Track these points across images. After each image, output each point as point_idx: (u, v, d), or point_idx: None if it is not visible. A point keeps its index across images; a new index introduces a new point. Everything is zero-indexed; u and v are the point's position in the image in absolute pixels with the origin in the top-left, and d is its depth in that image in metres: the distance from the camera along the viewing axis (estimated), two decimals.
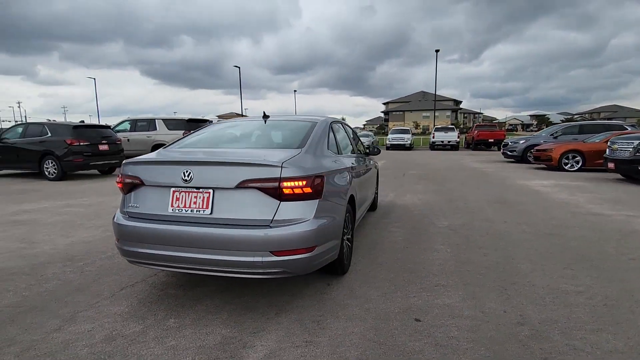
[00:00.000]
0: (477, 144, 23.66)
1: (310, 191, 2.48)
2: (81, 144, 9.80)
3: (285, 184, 2.39)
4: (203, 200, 2.48)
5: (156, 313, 2.58)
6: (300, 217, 2.44)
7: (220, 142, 3.43)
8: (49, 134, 9.91)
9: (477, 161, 15.47)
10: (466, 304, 2.68)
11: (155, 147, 12.62)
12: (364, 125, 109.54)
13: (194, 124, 12.94)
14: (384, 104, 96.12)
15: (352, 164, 3.66)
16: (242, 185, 2.41)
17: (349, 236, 3.36)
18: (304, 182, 2.44)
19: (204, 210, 2.47)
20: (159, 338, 2.27)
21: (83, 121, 12.70)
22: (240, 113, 40.93)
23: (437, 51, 30.41)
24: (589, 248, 3.90)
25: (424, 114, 75.18)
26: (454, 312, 2.56)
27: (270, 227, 2.37)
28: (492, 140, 22.95)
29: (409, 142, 25.74)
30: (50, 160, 9.76)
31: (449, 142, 24.67)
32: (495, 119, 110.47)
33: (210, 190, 2.48)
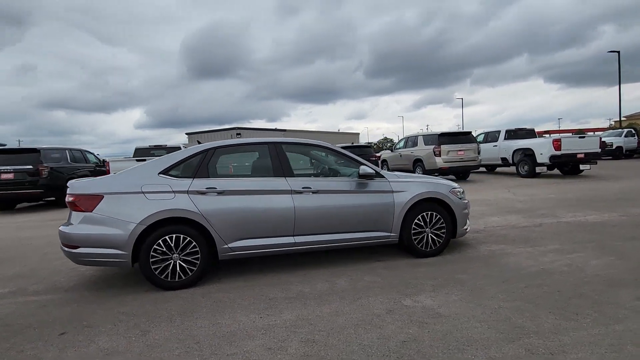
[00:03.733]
0: None
1: (77, 206, 3.44)
2: None
3: (67, 198, 3.53)
4: None
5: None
6: (72, 223, 3.47)
7: None
8: None
9: None
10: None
11: (415, 162, 12.99)
12: None
13: (447, 138, 12.37)
14: None
15: (211, 187, 3.59)
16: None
17: (188, 258, 3.46)
18: (73, 198, 3.46)
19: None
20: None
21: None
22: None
23: None
24: None
25: None
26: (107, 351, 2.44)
27: (69, 226, 3.47)
28: None
29: None
30: None
31: None
32: None
33: None
